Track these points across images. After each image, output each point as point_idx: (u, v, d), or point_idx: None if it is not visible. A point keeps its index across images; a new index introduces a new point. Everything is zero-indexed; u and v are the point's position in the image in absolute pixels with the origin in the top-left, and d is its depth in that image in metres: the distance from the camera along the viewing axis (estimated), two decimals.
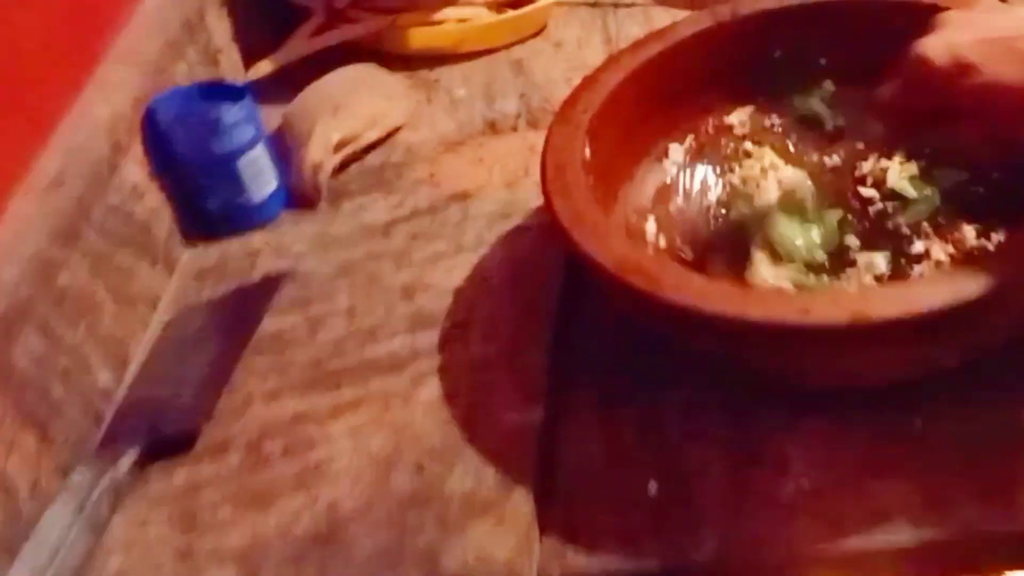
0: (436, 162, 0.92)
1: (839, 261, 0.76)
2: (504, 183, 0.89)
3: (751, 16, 0.80)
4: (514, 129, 0.95)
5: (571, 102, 0.75)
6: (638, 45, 0.79)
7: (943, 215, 0.78)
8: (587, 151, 0.72)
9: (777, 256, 0.76)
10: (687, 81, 0.81)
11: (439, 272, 0.81)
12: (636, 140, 0.79)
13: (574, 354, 0.73)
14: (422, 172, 0.92)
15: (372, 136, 0.93)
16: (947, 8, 0.73)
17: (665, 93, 0.80)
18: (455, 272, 0.81)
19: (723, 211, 0.81)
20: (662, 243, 0.78)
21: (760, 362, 0.63)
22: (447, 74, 1.03)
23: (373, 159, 0.94)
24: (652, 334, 0.67)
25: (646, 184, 0.81)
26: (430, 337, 0.76)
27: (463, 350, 0.75)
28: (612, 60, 0.78)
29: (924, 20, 0.75)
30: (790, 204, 0.78)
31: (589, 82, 0.76)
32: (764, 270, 0.75)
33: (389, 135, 0.95)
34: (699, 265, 0.76)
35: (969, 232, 0.76)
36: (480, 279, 0.80)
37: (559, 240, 0.67)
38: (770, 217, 0.77)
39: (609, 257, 0.64)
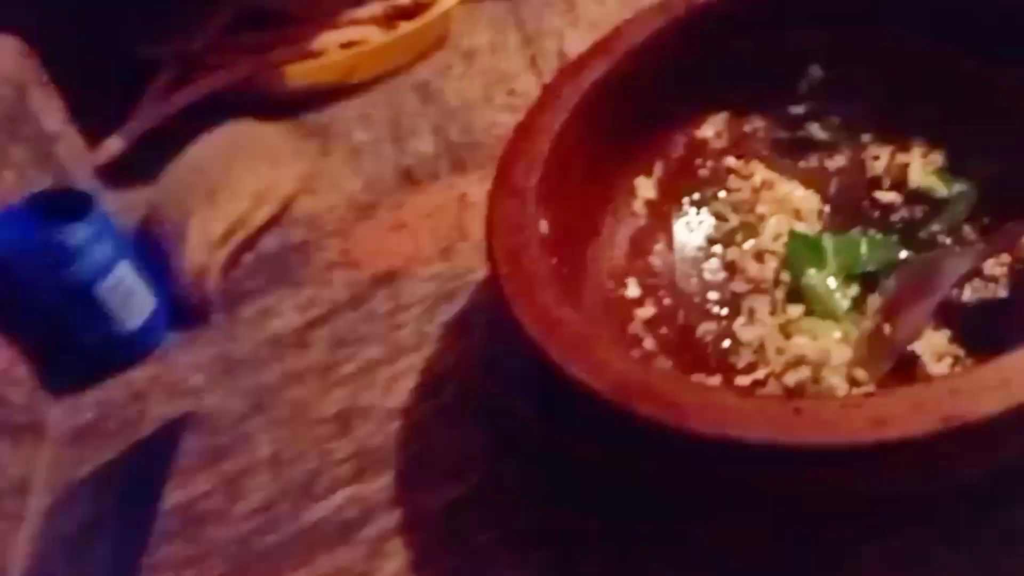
0: (348, 234, 0.78)
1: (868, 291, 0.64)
2: (437, 251, 0.74)
3: (710, 3, 0.66)
4: (435, 176, 0.80)
5: (509, 161, 0.60)
6: (578, 66, 0.65)
7: (986, 215, 0.65)
8: (543, 225, 0.58)
9: (813, 308, 0.63)
10: (644, 98, 0.67)
11: (377, 388, 0.68)
12: (595, 186, 0.66)
13: (571, 490, 0.59)
14: (333, 251, 0.77)
15: (263, 216, 0.79)
16: None
17: (621, 120, 0.66)
18: (398, 385, 0.67)
19: (719, 252, 0.68)
20: (651, 313, 0.64)
21: (817, 486, 0.50)
22: (341, 114, 0.88)
23: (269, 244, 0.79)
24: (665, 465, 0.53)
25: (617, 237, 0.67)
26: (382, 483, 0.62)
27: (428, 496, 0.61)
28: (549, 93, 0.63)
29: None
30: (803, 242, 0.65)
31: (526, 131, 0.61)
32: (810, 327, 0.62)
33: (284, 209, 0.80)
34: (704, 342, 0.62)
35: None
36: (430, 392, 0.66)
37: (533, 357, 0.53)
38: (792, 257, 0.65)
39: (604, 380, 0.50)
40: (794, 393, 0.59)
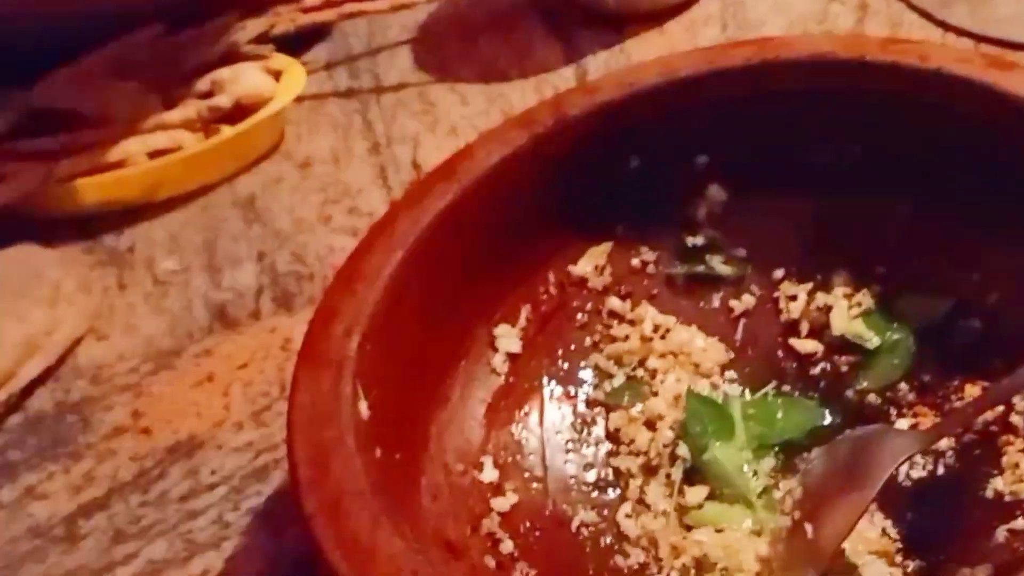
0: (141, 391, 0.66)
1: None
2: (250, 413, 0.64)
3: (585, 116, 0.57)
4: (255, 316, 0.69)
5: (322, 322, 0.50)
6: (420, 191, 0.55)
7: (927, 370, 0.56)
8: (363, 407, 0.47)
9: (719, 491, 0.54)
10: (504, 231, 0.57)
11: None
12: (442, 342, 0.55)
13: None
14: (121, 412, 0.65)
15: (34, 370, 0.67)
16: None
17: (474, 258, 0.56)
18: None
19: (600, 418, 0.58)
20: (511, 503, 0.54)
21: None
22: (144, 236, 0.77)
23: (41, 402, 0.67)
24: None
25: (471, 403, 0.56)
26: None
27: None
28: (379, 230, 0.53)
29: (845, 82, 0.55)
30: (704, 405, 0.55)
31: (346, 280, 0.51)
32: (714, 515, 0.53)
33: (63, 358, 0.68)
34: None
35: (973, 392, 0.55)
36: None
37: None
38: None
39: None
40: None
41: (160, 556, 0.58)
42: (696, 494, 0.54)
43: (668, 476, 0.55)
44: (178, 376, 0.67)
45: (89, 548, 0.59)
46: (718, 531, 0.53)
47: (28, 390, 0.67)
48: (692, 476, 0.55)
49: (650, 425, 0.57)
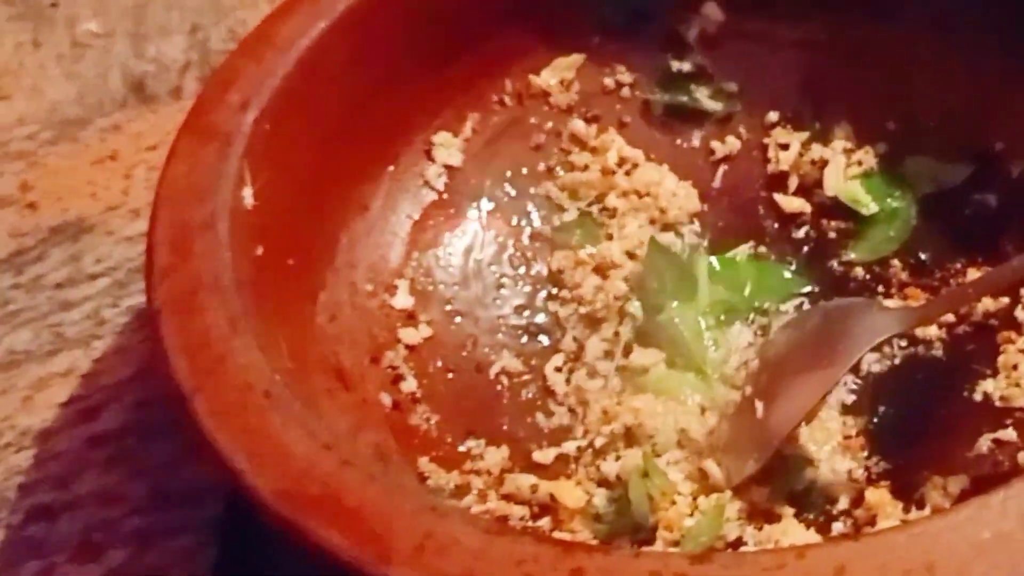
0: (35, 161, 0.58)
1: None
2: (150, 202, 0.53)
3: None
4: (175, 94, 0.60)
5: (218, 86, 0.41)
6: None
7: (926, 247, 0.48)
8: (246, 192, 0.38)
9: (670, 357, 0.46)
10: (460, 17, 0.48)
11: (15, 396, 0.48)
12: (369, 139, 0.47)
13: None
14: (9, 183, 0.57)
15: None
16: None
17: (419, 42, 0.47)
18: (45, 395, 0.48)
19: (543, 256, 0.49)
20: (423, 336, 0.46)
21: None
22: None
23: None
24: None
25: (393, 217, 0.48)
26: None
27: None
28: None
29: None
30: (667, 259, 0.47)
31: (254, 44, 0.42)
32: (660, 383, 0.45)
33: None
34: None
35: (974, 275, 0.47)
36: (86, 413, 0.47)
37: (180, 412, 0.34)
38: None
39: (268, 472, 0.31)
40: (613, 487, 0.42)
41: (22, 347, 0.50)
42: (643, 357, 0.46)
43: (615, 333, 0.47)
44: (79, 150, 0.58)
45: None
46: (659, 404, 0.45)
47: None
48: (641, 337, 0.47)
49: (600, 272, 0.49)
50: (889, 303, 0.47)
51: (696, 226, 0.51)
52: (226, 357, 0.34)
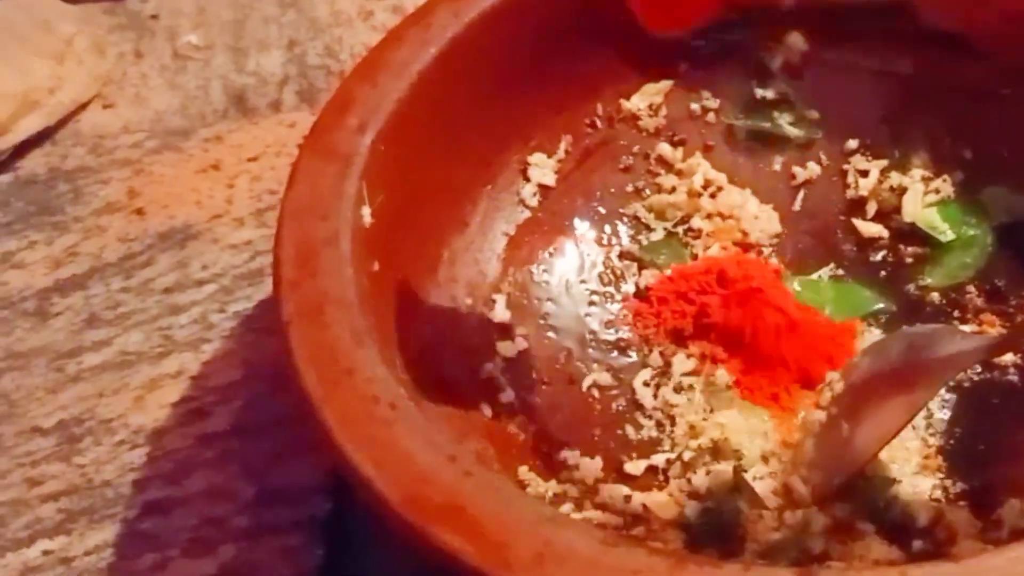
0: (141, 168, 0.59)
1: None
2: (253, 210, 0.57)
3: None
4: (275, 107, 0.62)
5: (336, 110, 0.42)
6: None
7: (1001, 274, 0.49)
8: (365, 211, 0.40)
9: None
10: (556, 44, 0.49)
11: (127, 395, 0.50)
12: (469, 158, 0.48)
13: None
14: (116, 189, 0.59)
15: (30, 128, 0.60)
16: None
17: (518, 68, 0.49)
18: (156, 395, 0.50)
19: (633, 273, 0.51)
20: (519, 349, 0.48)
21: None
22: (171, 5, 0.69)
23: (33, 165, 0.61)
24: None
25: (491, 234, 0.50)
26: (97, 541, 0.45)
27: (161, 570, 0.44)
28: (416, 19, 0.45)
29: None
30: None
31: (369, 69, 0.43)
32: None
33: (64, 121, 0.62)
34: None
35: None
36: (197, 413, 0.49)
37: (310, 418, 0.35)
38: None
39: (396, 483, 0.33)
40: (704, 499, 0.43)
41: (133, 348, 0.52)
42: (727, 374, 0.47)
43: (702, 349, 0.48)
44: (183, 159, 0.60)
45: (59, 328, 0.53)
46: (745, 420, 0.46)
47: (21, 150, 0.61)
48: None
49: None
50: (965, 329, 0.48)
51: (777, 249, 0.52)
52: (353, 370, 0.35)
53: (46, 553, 0.45)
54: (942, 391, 0.45)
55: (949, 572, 0.30)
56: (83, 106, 0.63)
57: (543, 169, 0.51)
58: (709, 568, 0.30)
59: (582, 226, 0.51)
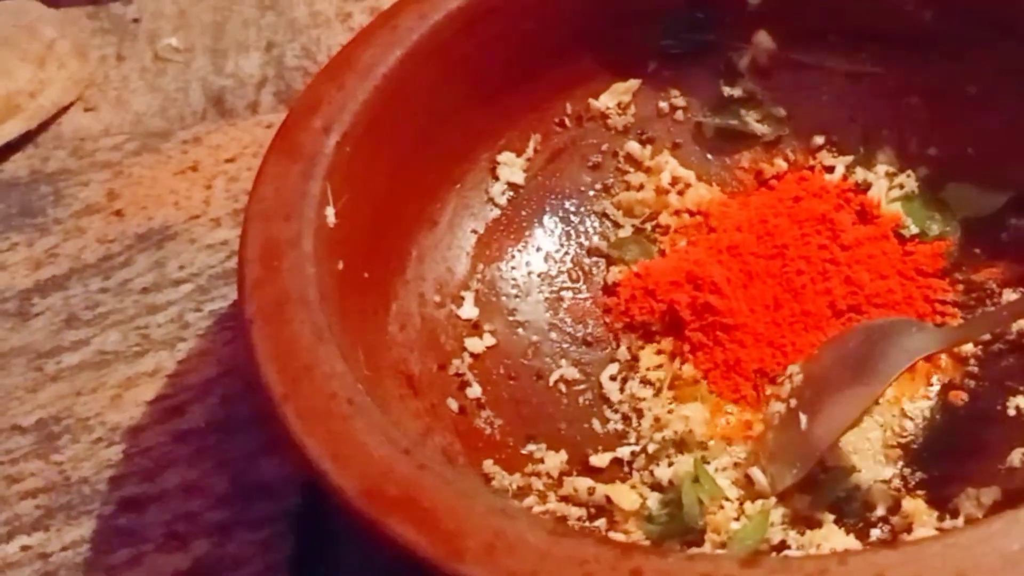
0: (121, 171, 0.60)
1: None
2: (231, 211, 0.57)
3: None
4: (253, 108, 0.63)
5: (302, 111, 0.43)
6: None
7: (966, 267, 0.50)
8: (329, 211, 0.41)
9: None
10: (525, 43, 0.50)
11: (104, 394, 0.51)
12: (438, 158, 0.49)
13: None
14: (96, 191, 0.59)
15: (12, 132, 0.61)
16: None
17: (486, 69, 0.49)
18: (132, 394, 0.50)
19: (600, 269, 0.51)
20: (487, 345, 0.48)
21: None
22: (152, 8, 0.70)
23: (15, 168, 0.61)
24: None
25: (460, 232, 0.50)
26: (75, 537, 0.46)
27: (134, 569, 0.44)
28: (384, 19, 0.46)
29: None
30: None
31: (336, 70, 0.44)
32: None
33: (45, 124, 0.62)
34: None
35: (1011, 298, 0.48)
36: (172, 411, 0.50)
37: (272, 416, 0.36)
38: None
39: (352, 473, 0.34)
40: (666, 491, 0.44)
41: (111, 348, 0.53)
42: (694, 368, 0.48)
43: (668, 342, 0.49)
44: (162, 161, 0.60)
45: (39, 328, 0.54)
46: (710, 412, 0.47)
47: (3, 153, 0.62)
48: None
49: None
50: (928, 322, 0.49)
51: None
52: (313, 367, 0.36)
53: (24, 549, 0.46)
54: (915, 385, 0.46)
55: (888, 558, 0.30)
56: (64, 109, 0.64)
57: (512, 168, 0.52)
58: (654, 558, 0.31)
59: (551, 223, 0.52)
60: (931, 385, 0.46)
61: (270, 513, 0.45)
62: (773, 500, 0.43)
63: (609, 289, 0.51)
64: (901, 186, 0.52)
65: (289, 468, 0.46)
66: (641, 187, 0.53)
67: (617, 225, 0.53)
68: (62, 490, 0.48)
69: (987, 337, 0.47)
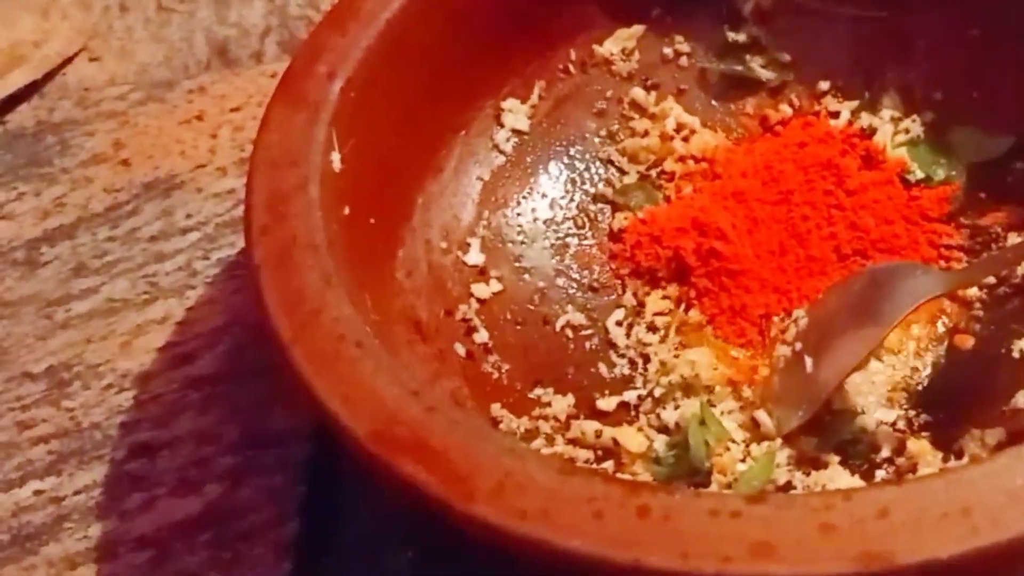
0: (127, 120, 0.60)
1: None
2: (236, 159, 0.57)
3: None
4: (257, 58, 0.62)
5: (305, 59, 0.43)
6: None
7: (970, 211, 0.50)
8: (335, 157, 0.41)
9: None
10: None
11: (114, 341, 0.51)
12: (442, 105, 0.49)
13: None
14: (102, 141, 0.59)
15: (17, 82, 0.61)
16: None
17: (490, 15, 0.49)
18: (141, 341, 0.51)
19: (606, 215, 0.51)
20: (493, 291, 0.48)
21: None
22: None
23: (21, 119, 0.61)
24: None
25: (465, 179, 0.50)
26: (87, 481, 0.47)
27: (145, 513, 0.45)
28: None
29: None
30: None
31: (338, 18, 0.44)
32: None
33: (51, 75, 0.62)
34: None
35: (1014, 240, 0.48)
36: (181, 357, 0.50)
37: (280, 359, 0.36)
38: None
39: (361, 415, 0.34)
40: (672, 434, 0.44)
41: (120, 295, 0.53)
42: (700, 313, 0.48)
43: (674, 288, 0.49)
44: (167, 110, 0.60)
45: (47, 277, 0.54)
46: (715, 356, 0.47)
47: (9, 104, 0.61)
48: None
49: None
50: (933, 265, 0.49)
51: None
52: (320, 311, 0.36)
53: (37, 493, 0.46)
54: (921, 328, 0.46)
55: (891, 494, 0.30)
56: (69, 59, 0.63)
57: (517, 115, 0.52)
58: (662, 494, 0.31)
59: (556, 170, 0.52)
60: (937, 328, 0.46)
61: (281, 460, 0.46)
62: (779, 442, 0.43)
63: (615, 235, 0.51)
64: (906, 131, 0.52)
65: (299, 416, 0.46)
66: (646, 133, 0.53)
67: (622, 172, 0.53)
68: (74, 436, 0.48)
69: (992, 280, 0.47)
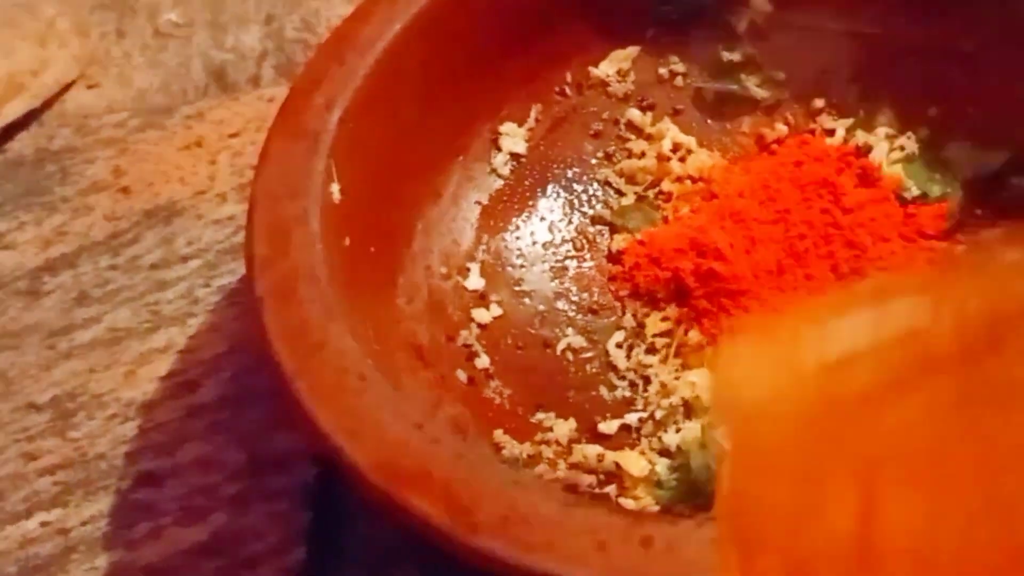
0: (126, 147, 0.60)
1: None
2: (236, 185, 0.58)
3: None
4: (254, 82, 0.63)
5: (304, 89, 0.43)
6: None
7: (968, 225, 0.50)
8: (334, 188, 0.41)
9: None
10: (523, 15, 0.50)
11: (117, 371, 0.52)
12: (440, 130, 0.49)
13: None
14: (102, 168, 0.60)
15: (16, 111, 0.61)
16: None
17: (486, 40, 0.50)
18: (145, 370, 0.51)
19: (604, 237, 0.52)
20: (494, 316, 0.49)
21: None
22: None
23: (20, 147, 0.62)
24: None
25: (464, 204, 0.50)
26: (93, 512, 0.47)
27: (151, 543, 0.45)
28: None
29: None
30: None
31: (336, 46, 0.44)
32: None
33: (49, 102, 0.63)
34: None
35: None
36: (185, 386, 0.50)
37: (284, 393, 0.37)
38: None
39: (366, 449, 0.34)
40: (674, 457, 0.44)
41: (123, 324, 0.53)
42: (700, 334, 0.49)
43: (674, 312, 0.50)
44: (166, 137, 0.61)
45: (50, 306, 0.54)
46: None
47: (8, 132, 0.62)
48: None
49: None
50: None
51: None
52: (323, 344, 0.37)
53: (44, 524, 0.47)
54: None
55: None
56: (67, 87, 0.64)
57: (514, 138, 0.52)
58: (665, 525, 0.32)
59: (554, 192, 0.52)
60: None
61: (286, 486, 0.46)
62: None
63: (613, 257, 0.51)
64: (902, 148, 0.52)
65: (303, 442, 0.47)
66: (643, 154, 0.53)
67: (620, 193, 0.53)
68: (79, 466, 0.48)
69: None
